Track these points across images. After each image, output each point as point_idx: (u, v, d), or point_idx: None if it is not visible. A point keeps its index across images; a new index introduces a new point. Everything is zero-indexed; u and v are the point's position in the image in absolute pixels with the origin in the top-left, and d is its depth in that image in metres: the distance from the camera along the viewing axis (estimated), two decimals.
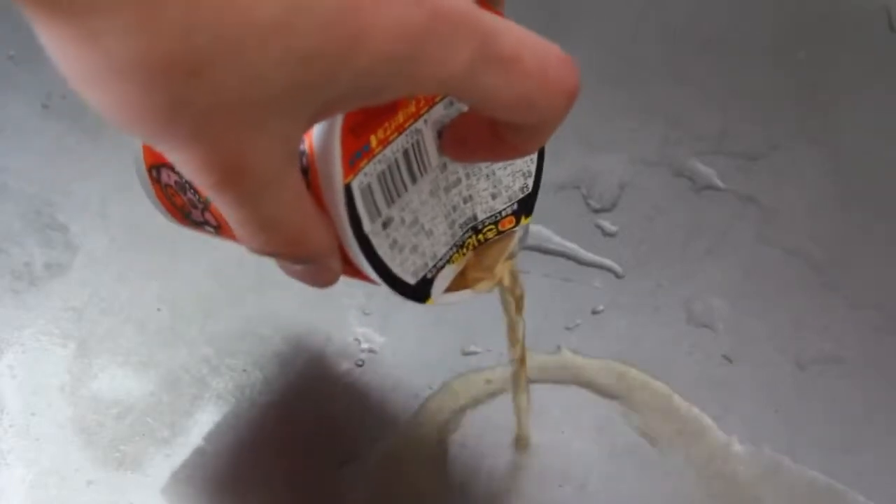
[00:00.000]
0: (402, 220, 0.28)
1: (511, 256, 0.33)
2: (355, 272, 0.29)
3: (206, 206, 0.32)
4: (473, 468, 0.40)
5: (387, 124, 0.27)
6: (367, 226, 0.27)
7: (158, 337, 0.42)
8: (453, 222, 0.31)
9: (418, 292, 0.30)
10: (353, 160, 0.26)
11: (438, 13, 0.21)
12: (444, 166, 0.30)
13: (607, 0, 0.55)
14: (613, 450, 0.40)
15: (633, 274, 0.45)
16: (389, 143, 0.27)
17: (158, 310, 0.43)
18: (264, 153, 0.22)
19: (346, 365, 0.42)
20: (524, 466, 0.40)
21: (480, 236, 0.32)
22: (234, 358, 0.42)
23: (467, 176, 0.31)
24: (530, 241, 0.46)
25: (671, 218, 0.47)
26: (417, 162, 0.28)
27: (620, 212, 0.47)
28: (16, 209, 0.46)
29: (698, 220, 0.47)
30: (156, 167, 0.33)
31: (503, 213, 0.32)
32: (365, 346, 0.42)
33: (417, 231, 0.29)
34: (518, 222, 0.33)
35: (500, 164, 0.32)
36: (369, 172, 0.26)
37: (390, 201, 0.28)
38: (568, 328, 0.43)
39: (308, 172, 0.26)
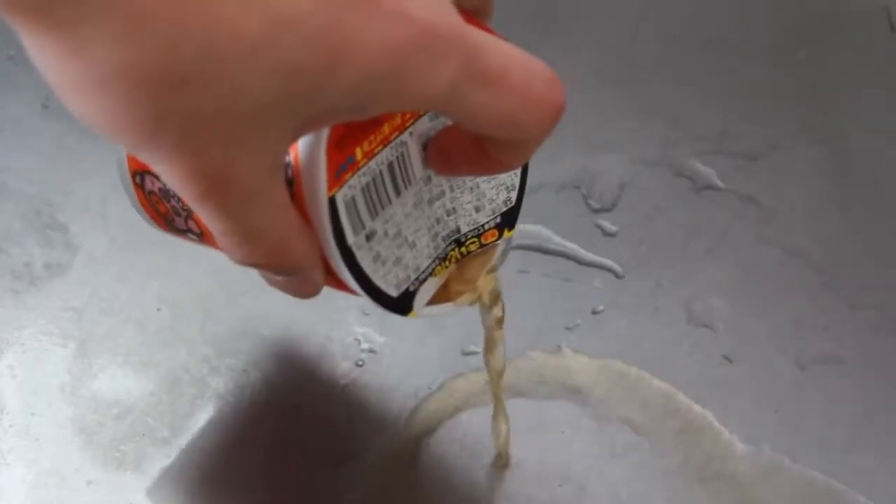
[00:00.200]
0: (386, 233, 0.28)
1: (493, 269, 0.33)
2: (338, 283, 0.29)
3: (189, 213, 0.32)
4: (473, 468, 0.40)
5: (372, 137, 0.27)
6: (350, 238, 0.27)
7: (158, 337, 0.42)
8: (436, 235, 0.31)
9: (401, 305, 0.30)
10: (339, 173, 0.26)
11: (425, 29, 0.21)
12: (429, 179, 0.30)
13: (607, 0, 0.55)
14: (613, 450, 0.40)
15: (633, 274, 0.45)
16: (374, 155, 0.27)
17: (158, 310, 0.43)
18: (249, 165, 0.22)
19: (346, 365, 0.42)
20: (524, 466, 0.40)
21: (463, 249, 0.32)
22: (234, 358, 0.42)
23: (451, 189, 0.31)
24: (530, 242, 0.46)
25: (671, 218, 0.47)
26: (402, 174, 0.28)
27: (620, 212, 0.47)
28: (16, 209, 0.46)
29: (698, 220, 0.47)
30: (139, 174, 0.33)
31: (486, 226, 0.32)
32: (365, 346, 0.42)
33: (401, 244, 0.29)
34: (501, 235, 0.33)
35: (484, 178, 0.32)
36: (354, 185, 0.27)
37: (374, 214, 0.28)
38: (568, 328, 0.43)
39: (292, 184, 0.26)
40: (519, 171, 0.33)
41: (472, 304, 0.33)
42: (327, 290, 0.29)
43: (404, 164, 0.28)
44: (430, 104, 0.23)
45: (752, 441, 0.40)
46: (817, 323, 0.44)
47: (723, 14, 0.55)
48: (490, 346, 0.36)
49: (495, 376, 0.37)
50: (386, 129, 0.27)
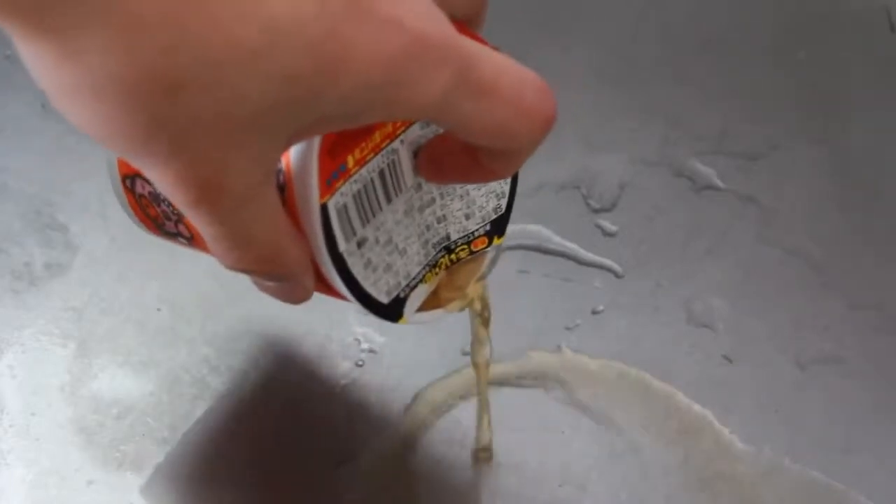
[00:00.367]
0: (377, 240, 0.28)
1: (482, 277, 0.33)
2: (328, 290, 0.29)
3: (179, 217, 0.32)
4: (473, 468, 0.40)
5: (364, 144, 0.27)
6: (342, 245, 0.27)
7: (158, 337, 0.42)
8: (426, 242, 0.31)
9: (391, 311, 0.30)
10: (330, 180, 0.26)
11: (418, 39, 0.21)
12: (419, 186, 0.30)
13: (607, 0, 0.55)
14: (613, 450, 0.40)
15: (633, 274, 0.45)
16: (366, 163, 0.27)
17: (158, 310, 0.43)
18: (241, 172, 0.22)
19: (346, 365, 0.42)
20: (524, 466, 0.40)
21: (453, 256, 0.32)
22: (234, 358, 0.42)
23: (441, 196, 0.31)
24: (530, 242, 0.46)
25: (671, 218, 0.47)
26: (393, 182, 0.28)
27: (620, 212, 0.47)
28: (16, 209, 0.46)
29: (698, 220, 0.47)
30: (130, 177, 0.33)
31: (476, 234, 0.33)
32: (365, 346, 0.42)
33: (391, 250, 0.29)
34: (490, 242, 0.33)
35: (475, 186, 0.32)
36: (345, 192, 0.27)
37: (365, 221, 0.28)
38: (568, 328, 0.43)
39: (284, 191, 0.26)
40: (509, 180, 0.33)
41: (461, 310, 0.33)
42: None
43: (395, 171, 0.28)
44: (423, 113, 0.23)
45: (752, 441, 0.40)
46: (817, 323, 0.44)
47: (723, 14, 0.55)
48: (476, 344, 0.36)
49: (481, 371, 0.37)
50: (377, 136, 0.27)
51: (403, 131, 0.28)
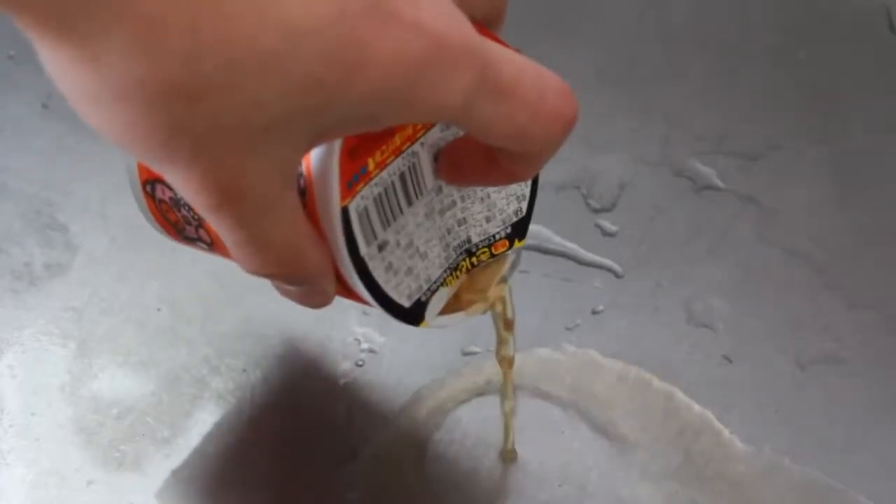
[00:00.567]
0: (398, 243, 0.28)
1: (504, 279, 0.33)
2: (349, 293, 0.29)
3: (199, 222, 0.32)
4: (473, 467, 0.40)
5: (384, 147, 0.27)
6: (363, 249, 0.27)
7: (158, 337, 0.42)
8: (447, 245, 0.31)
9: (412, 315, 0.30)
10: (351, 183, 0.26)
11: (439, 41, 0.21)
12: (440, 189, 0.30)
13: (607, 0, 0.55)
14: (613, 450, 0.40)
15: (633, 274, 0.45)
16: (386, 166, 0.27)
17: (158, 310, 0.43)
18: (262, 176, 0.22)
19: (346, 365, 0.42)
20: (524, 466, 0.40)
21: (474, 259, 0.32)
22: (234, 358, 0.42)
23: (462, 199, 0.31)
24: (530, 241, 0.46)
25: (671, 218, 0.47)
26: (413, 185, 0.28)
27: (620, 212, 0.47)
28: (16, 209, 0.46)
29: (698, 220, 0.47)
30: (150, 182, 0.33)
31: (497, 237, 0.32)
32: (365, 346, 0.42)
33: (412, 254, 0.29)
34: (511, 245, 0.33)
35: (495, 188, 0.32)
36: (366, 195, 0.27)
37: (386, 224, 0.28)
38: (568, 328, 0.43)
39: (305, 195, 0.26)
40: (529, 182, 0.33)
41: (483, 313, 0.33)
42: None
43: (416, 174, 0.28)
44: (444, 116, 0.23)
45: (752, 441, 0.40)
46: (817, 323, 0.44)
47: (723, 14, 0.55)
48: (500, 344, 0.36)
49: (506, 368, 0.37)
50: (397, 139, 0.27)
51: (423, 134, 0.28)
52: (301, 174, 0.26)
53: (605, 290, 0.45)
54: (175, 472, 0.39)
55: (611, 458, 0.40)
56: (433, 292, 0.31)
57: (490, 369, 0.41)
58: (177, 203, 0.32)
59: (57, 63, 0.20)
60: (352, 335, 0.42)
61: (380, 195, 0.27)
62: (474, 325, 0.35)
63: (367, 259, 0.27)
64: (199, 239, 0.33)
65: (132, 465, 0.39)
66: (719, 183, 0.48)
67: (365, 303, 0.29)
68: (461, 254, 0.32)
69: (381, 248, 0.28)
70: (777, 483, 0.39)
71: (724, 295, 0.45)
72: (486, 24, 0.26)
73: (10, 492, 0.38)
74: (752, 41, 0.54)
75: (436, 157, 0.29)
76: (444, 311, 0.32)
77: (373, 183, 0.27)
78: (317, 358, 0.42)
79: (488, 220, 0.32)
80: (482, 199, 0.31)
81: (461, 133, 0.28)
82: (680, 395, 0.41)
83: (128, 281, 0.44)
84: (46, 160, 0.48)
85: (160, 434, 0.40)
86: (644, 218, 0.47)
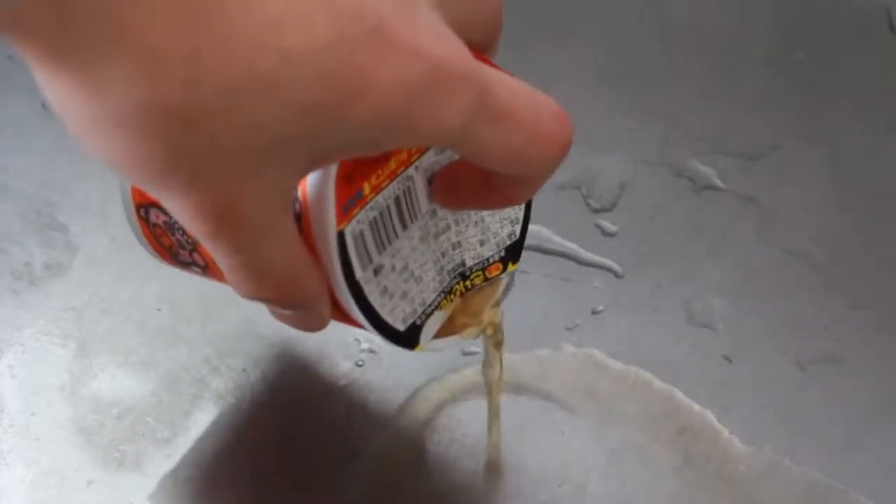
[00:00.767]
0: (393, 267, 0.28)
1: (497, 303, 0.33)
2: (344, 317, 0.29)
3: (193, 246, 0.32)
4: (473, 467, 0.40)
5: (379, 171, 0.27)
6: (358, 273, 0.27)
7: (158, 337, 0.42)
8: (442, 269, 0.31)
9: (408, 339, 0.30)
10: (347, 208, 0.26)
11: (437, 66, 0.21)
12: (434, 212, 0.30)
13: (607, 0, 0.55)
14: (613, 450, 0.40)
15: (633, 274, 0.45)
16: (381, 190, 0.27)
17: (158, 310, 0.43)
18: (259, 202, 0.22)
19: (346, 365, 0.42)
20: (524, 466, 0.40)
21: (468, 282, 0.32)
22: (234, 358, 0.42)
23: (456, 223, 0.31)
24: (530, 242, 0.46)
25: (671, 218, 0.47)
26: (408, 208, 0.28)
27: (620, 212, 0.47)
28: (16, 209, 0.46)
29: (698, 220, 0.47)
30: (144, 207, 0.33)
31: (491, 260, 0.32)
32: (365, 346, 0.42)
33: (407, 278, 0.29)
34: (505, 269, 0.33)
35: (489, 212, 0.32)
36: (362, 220, 0.27)
37: (382, 248, 0.28)
38: (568, 328, 0.43)
39: (300, 219, 0.26)
40: (523, 206, 0.33)
41: (476, 336, 0.33)
42: None
43: (410, 198, 0.28)
44: (441, 140, 0.23)
45: (752, 441, 0.40)
46: (817, 323, 0.44)
47: (723, 14, 0.55)
48: (487, 365, 0.36)
49: (493, 388, 0.37)
50: (392, 163, 0.27)
51: (418, 158, 0.28)
52: (297, 199, 0.26)
53: (605, 290, 0.45)
54: (174, 472, 0.39)
55: (611, 458, 0.40)
56: (428, 316, 0.31)
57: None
58: (171, 227, 0.32)
59: (55, 90, 0.20)
60: (352, 335, 0.42)
61: (375, 219, 0.27)
62: None
63: (362, 283, 0.27)
64: (194, 263, 0.33)
65: (132, 465, 0.39)
66: (719, 183, 0.48)
67: (360, 326, 0.29)
68: (455, 277, 0.32)
69: (376, 272, 0.28)
70: (777, 483, 0.39)
71: (724, 295, 0.45)
72: (482, 49, 0.26)
73: (10, 492, 0.38)
74: (752, 41, 0.54)
75: (430, 181, 0.29)
76: (439, 334, 0.32)
77: (368, 207, 0.27)
78: (317, 358, 0.42)
79: (482, 243, 0.32)
80: (476, 222, 0.31)
81: (455, 157, 0.28)
82: (680, 395, 0.41)
83: (128, 281, 0.44)
84: (46, 160, 0.48)
85: (160, 434, 0.40)
86: (644, 218, 0.47)
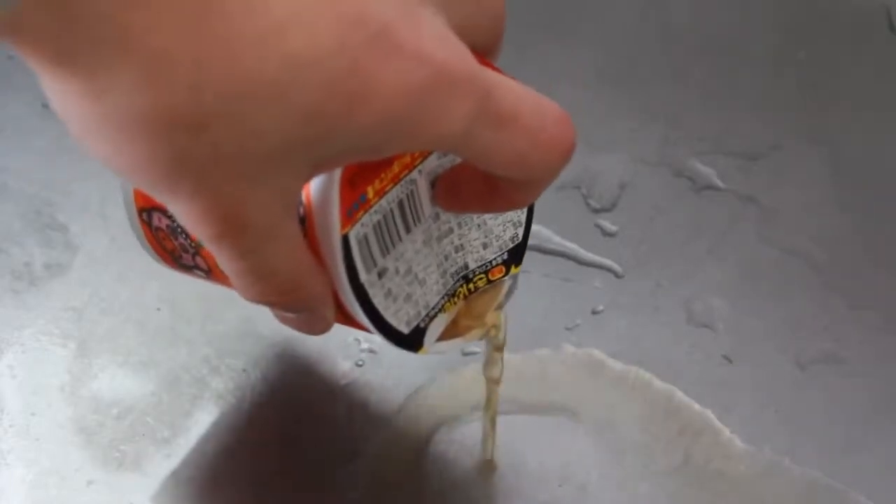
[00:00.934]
0: (397, 270, 0.28)
1: (500, 306, 0.33)
2: (348, 320, 0.29)
3: (196, 250, 0.32)
4: (473, 467, 0.40)
5: (383, 175, 0.27)
6: (363, 276, 0.27)
7: (158, 337, 0.42)
8: (445, 271, 0.31)
9: (412, 341, 0.30)
10: (351, 211, 0.26)
11: (440, 71, 0.21)
12: (437, 216, 0.30)
13: (607, 0, 0.55)
14: (613, 450, 0.40)
15: (633, 274, 0.45)
16: (385, 193, 0.27)
17: (158, 310, 0.43)
18: (264, 206, 0.22)
19: (346, 365, 0.42)
20: (524, 466, 0.40)
21: (471, 285, 0.32)
22: (234, 358, 0.42)
23: (459, 226, 0.31)
24: (531, 241, 0.45)
25: (671, 218, 0.47)
26: (412, 212, 0.28)
27: (620, 212, 0.47)
28: (16, 209, 0.46)
29: (698, 220, 0.47)
30: (147, 210, 0.33)
31: (493, 263, 0.33)
32: (365, 346, 0.42)
33: (411, 280, 0.29)
34: (508, 272, 0.33)
35: (491, 215, 0.32)
36: (366, 223, 0.27)
37: (385, 251, 0.28)
38: (568, 328, 0.43)
39: (304, 222, 0.26)
40: (525, 209, 0.33)
41: (480, 339, 0.33)
42: None
43: (414, 201, 0.28)
44: (445, 144, 0.23)
45: (752, 441, 0.40)
46: (817, 323, 0.44)
47: (723, 14, 0.55)
48: (490, 364, 0.36)
49: (492, 389, 0.37)
50: (396, 167, 0.27)
51: (421, 161, 0.28)
52: (301, 203, 0.26)
53: (605, 290, 0.45)
54: (176, 473, 0.39)
55: (611, 458, 0.40)
56: (431, 319, 0.31)
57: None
58: (174, 231, 0.32)
59: (60, 95, 0.20)
60: (352, 335, 0.42)
61: (379, 223, 0.27)
62: None
63: (366, 286, 0.27)
64: (196, 266, 0.33)
65: (132, 465, 0.39)
66: (719, 183, 0.48)
67: (364, 329, 0.29)
68: (458, 280, 0.32)
69: (380, 274, 0.28)
70: (777, 483, 0.39)
71: (724, 295, 0.45)
72: (484, 53, 0.26)
73: (10, 492, 0.38)
74: (752, 41, 0.54)
75: (433, 184, 0.29)
76: (442, 337, 0.32)
77: (372, 210, 0.27)
78: (317, 358, 0.42)
79: (485, 246, 0.32)
80: (479, 225, 0.31)
81: (458, 160, 0.28)
82: (680, 395, 0.41)
83: (128, 281, 0.44)
84: (46, 160, 0.48)
85: (160, 434, 0.40)
86: (644, 218, 0.47)
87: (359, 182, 0.26)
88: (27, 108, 0.49)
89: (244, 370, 0.42)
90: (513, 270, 0.33)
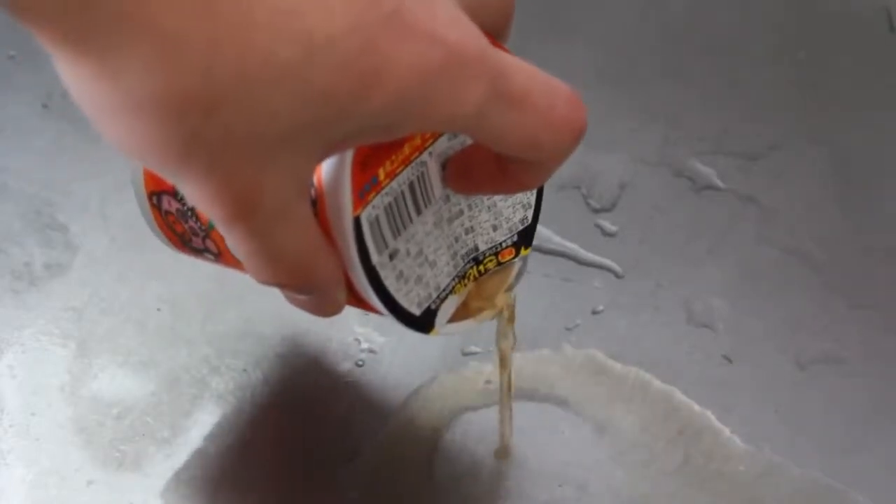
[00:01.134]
0: (408, 252, 0.29)
1: (511, 287, 0.33)
2: (360, 302, 0.29)
3: (206, 233, 0.32)
4: (473, 467, 0.40)
5: (394, 157, 0.27)
6: (374, 258, 0.27)
7: (158, 337, 0.42)
8: (455, 253, 0.31)
9: (423, 323, 0.30)
10: (363, 193, 0.26)
11: (452, 52, 0.21)
12: (447, 198, 0.30)
13: (607, 0, 0.55)
14: (613, 450, 0.40)
15: (633, 274, 0.45)
16: (396, 175, 0.27)
17: (158, 310, 0.43)
18: (276, 187, 0.22)
19: (346, 365, 0.42)
20: (524, 466, 0.40)
21: (481, 267, 0.32)
22: (234, 358, 0.42)
23: (469, 207, 0.31)
24: None
25: (671, 218, 0.47)
26: (422, 194, 0.29)
27: (620, 212, 0.47)
28: (16, 209, 0.46)
29: (698, 220, 0.47)
30: (156, 194, 0.33)
31: (503, 245, 0.33)
32: (365, 346, 0.42)
33: (422, 262, 0.29)
34: (518, 253, 0.33)
35: (501, 197, 0.32)
36: (377, 205, 0.27)
37: (397, 233, 0.28)
38: (568, 328, 0.43)
39: (316, 204, 0.26)
40: (535, 191, 0.33)
41: (491, 319, 0.33)
42: None
43: (424, 183, 0.28)
44: (457, 125, 0.23)
45: (752, 441, 0.40)
46: (817, 323, 0.44)
47: (723, 14, 0.55)
48: (503, 335, 0.36)
49: (506, 360, 0.37)
50: (406, 149, 0.27)
51: (432, 143, 0.28)
52: (312, 184, 0.26)
53: (605, 290, 0.45)
54: (177, 473, 0.39)
55: (611, 458, 0.40)
56: (442, 300, 0.31)
57: (490, 369, 0.41)
58: (183, 214, 0.32)
59: (75, 76, 0.20)
60: (352, 335, 0.43)
61: (390, 204, 0.27)
62: None
63: (378, 268, 0.27)
64: (206, 250, 0.33)
65: (132, 465, 0.39)
66: (719, 183, 0.48)
67: (375, 311, 0.29)
68: (469, 262, 0.32)
69: (391, 256, 0.28)
70: (777, 483, 0.39)
71: (724, 295, 0.45)
72: (494, 34, 0.26)
73: (10, 492, 0.38)
74: (752, 41, 0.54)
75: (444, 166, 0.29)
76: (453, 318, 0.32)
77: (383, 192, 0.27)
78: (317, 358, 0.42)
79: (495, 228, 0.32)
80: (489, 207, 0.32)
81: (468, 142, 0.29)
82: (680, 395, 0.41)
83: (128, 281, 0.44)
84: (46, 160, 0.48)
85: (160, 434, 0.40)
86: (644, 218, 0.47)
87: (370, 164, 0.26)
88: (27, 108, 0.49)
89: (244, 370, 0.42)
90: (522, 252, 0.33)
